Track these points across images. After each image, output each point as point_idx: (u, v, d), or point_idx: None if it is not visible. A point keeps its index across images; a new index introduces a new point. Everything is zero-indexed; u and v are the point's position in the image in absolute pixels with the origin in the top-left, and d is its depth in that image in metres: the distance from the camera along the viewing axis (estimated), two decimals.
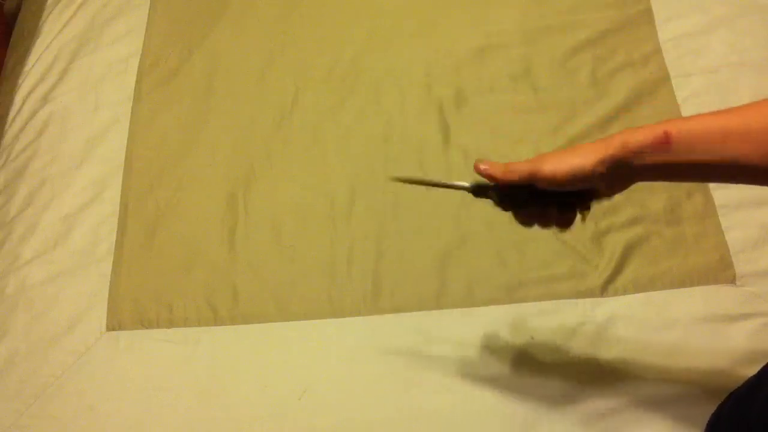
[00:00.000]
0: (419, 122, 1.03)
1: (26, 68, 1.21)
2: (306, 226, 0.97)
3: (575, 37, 1.07)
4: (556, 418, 0.79)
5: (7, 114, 1.18)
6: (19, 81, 1.20)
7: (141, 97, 1.13)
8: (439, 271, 0.91)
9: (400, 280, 0.91)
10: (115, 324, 0.93)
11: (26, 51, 1.24)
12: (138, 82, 1.14)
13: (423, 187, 0.97)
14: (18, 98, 1.18)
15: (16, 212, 1.05)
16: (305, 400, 0.84)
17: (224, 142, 1.06)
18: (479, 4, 1.13)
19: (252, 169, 1.03)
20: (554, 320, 0.86)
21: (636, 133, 0.54)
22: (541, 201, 0.60)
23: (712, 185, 0.92)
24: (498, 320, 0.87)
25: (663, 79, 1.01)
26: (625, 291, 0.87)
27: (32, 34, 1.26)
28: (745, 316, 0.83)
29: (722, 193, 0.91)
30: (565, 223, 0.62)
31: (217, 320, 0.92)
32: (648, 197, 0.92)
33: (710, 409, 0.74)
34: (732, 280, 0.86)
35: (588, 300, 0.87)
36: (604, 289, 0.87)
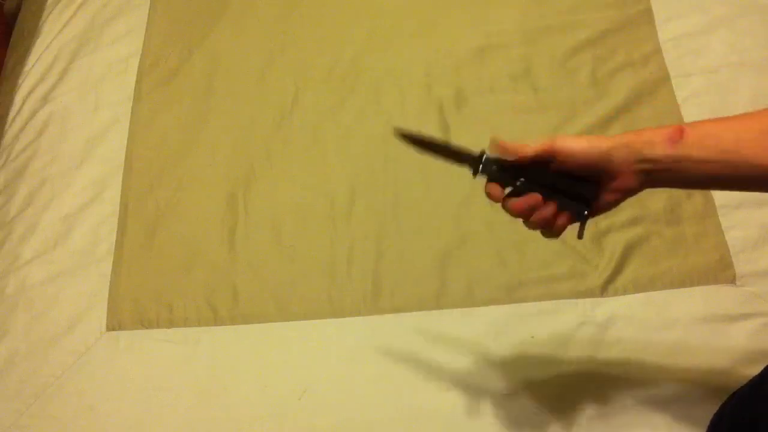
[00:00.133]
0: (419, 122, 1.03)
1: (26, 68, 1.21)
2: (306, 226, 0.97)
3: (575, 37, 1.07)
4: (557, 418, 0.79)
5: (7, 114, 1.18)
6: (19, 81, 1.20)
7: (141, 97, 1.13)
8: (439, 271, 0.91)
9: (400, 280, 0.91)
10: (115, 324, 0.93)
11: (26, 51, 1.24)
12: (138, 82, 1.14)
13: (423, 187, 0.98)
14: (18, 98, 1.18)
15: (16, 212, 1.05)
16: (305, 400, 0.84)
17: (224, 142, 1.06)
18: (479, 4, 1.13)
19: (252, 169, 1.03)
20: (554, 320, 0.86)
21: (650, 127, 0.55)
22: (543, 191, 0.58)
23: None
24: (498, 320, 0.87)
25: (663, 79, 1.02)
26: (625, 291, 0.87)
27: (32, 34, 1.26)
28: (745, 316, 0.83)
29: (722, 193, 0.91)
30: (556, 227, 0.59)
31: (217, 320, 0.92)
32: (648, 197, 0.91)
33: (711, 408, 0.74)
34: (732, 280, 0.86)
35: (588, 300, 0.87)
36: (604, 289, 0.87)
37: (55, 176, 1.07)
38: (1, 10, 1.37)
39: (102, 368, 0.90)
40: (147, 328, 0.92)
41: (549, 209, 0.58)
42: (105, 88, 1.15)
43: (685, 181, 0.55)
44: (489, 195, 0.60)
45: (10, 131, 1.15)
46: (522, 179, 0.59)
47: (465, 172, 0.61)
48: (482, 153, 0.60)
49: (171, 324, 0.92)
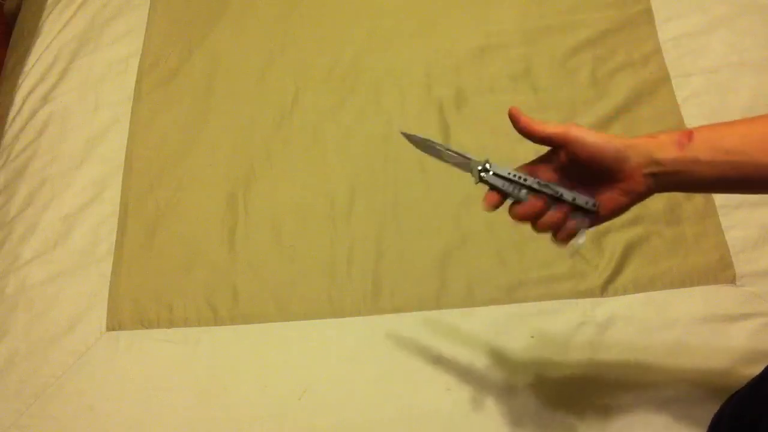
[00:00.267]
0: (419, 122, 1.03)
1: (26, 68, 1.21)
2: (306, 226, 0.97)
3: (575, 37, 1.07)
4: (557, 418, 0.79)
5: (7, 114, 1.18)
6: (19, 81, 1.20)
7: (141, 97, 1.13)
8: (439, 271, 0.91)
9: (400, 280, 0.92)
10: (115, 324, 0.93)
11: (26, 51, 1.24)
12: (138, 82, 1.14)
13: (423, 187, 0.98)
14: (18, 98, 1.18)
15: (16, 212, 1.05)
16: (305, 400, 0.84)
17: (224, 142, 1.06)
18: (479, 4, 1.13)
19: (252, 169, 1.03)
20: (554, 320, 0.86)
21: (663, 131, 0.56)
22: (550, 195, 0.58)
23: None
24: (498, 320, 0.87)
25: (663, 79, 1.02)
26: (625, 291, 0.87)
27: (32, 34, 1.26)
28: (745, 316, 0.83)
29: None
30: (566, 229, 0.59)
31: (217, 320, 0.92)
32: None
33: (711, 408, 0.74)
34: (732, 280, 0.86)
35: (588, 300, 0.87)
36: (604, 289, 0.87)
37: (55, 176, 1.07)
38: (1, 10, 1.37)
39: (102, 368, 0.90)
40: (147, 328, 0.92)
41: (558, 213, 0.58)
42: (105, 88, 1.15)
43: (691, 184, 0.55)
44: (487, 203, 0.60)
45: (10, 131, 1.15)
46: (524, 190, 0.59)
47: (465, 173, 0.61)
48: (486, 161, 0.60)
49: (171, 324, 0.92)
